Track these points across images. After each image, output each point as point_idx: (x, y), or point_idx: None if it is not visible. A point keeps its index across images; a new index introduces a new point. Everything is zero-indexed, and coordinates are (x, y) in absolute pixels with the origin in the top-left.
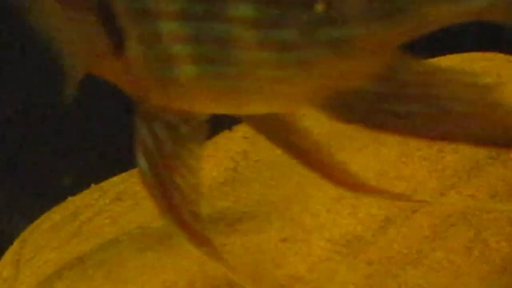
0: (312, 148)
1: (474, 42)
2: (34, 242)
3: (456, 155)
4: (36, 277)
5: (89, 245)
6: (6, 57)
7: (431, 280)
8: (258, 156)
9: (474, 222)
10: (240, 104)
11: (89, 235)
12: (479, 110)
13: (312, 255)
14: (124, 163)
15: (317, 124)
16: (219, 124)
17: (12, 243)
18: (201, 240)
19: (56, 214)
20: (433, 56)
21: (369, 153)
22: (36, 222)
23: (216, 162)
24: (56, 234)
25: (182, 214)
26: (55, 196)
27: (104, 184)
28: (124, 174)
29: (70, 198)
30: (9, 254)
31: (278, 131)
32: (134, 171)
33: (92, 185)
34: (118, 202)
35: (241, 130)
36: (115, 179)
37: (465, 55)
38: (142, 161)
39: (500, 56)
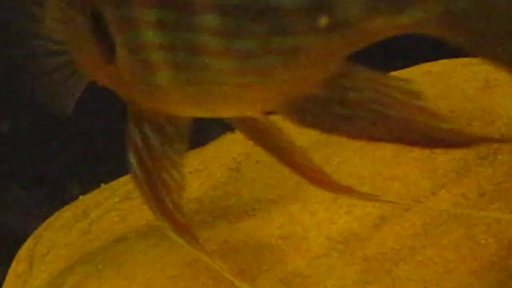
0: (291, 151)
1: None
2: (47, 239)
3: (447, 156)
4: (49, 272)
5: (99, 241)
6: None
7: (423, 275)
8: (259, 157)
9: (463, 220)
10: (213, 108)
11: (99, 232)
12: (409, 113)
13: (311, 252)
14: None
15: None
16: (227, 126)
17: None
18: (183, 230)
19: (68, 213)
20: (438, 58)
21: (365, 154)
22: (49, 220)
23: (220, 163)
24: (68, 232)
25: (166, 205)
26: (67, 196)
27: (114, 184)
28: None
29: (81, 197)
30: (23, 251)
31: (260, 135)
32: None
33: (102, 184)
34: (127, 201)
35: None
36: (124, 179)
37: (459, 60)
38: (132, 158)
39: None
